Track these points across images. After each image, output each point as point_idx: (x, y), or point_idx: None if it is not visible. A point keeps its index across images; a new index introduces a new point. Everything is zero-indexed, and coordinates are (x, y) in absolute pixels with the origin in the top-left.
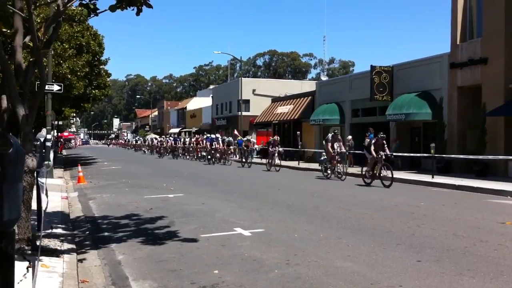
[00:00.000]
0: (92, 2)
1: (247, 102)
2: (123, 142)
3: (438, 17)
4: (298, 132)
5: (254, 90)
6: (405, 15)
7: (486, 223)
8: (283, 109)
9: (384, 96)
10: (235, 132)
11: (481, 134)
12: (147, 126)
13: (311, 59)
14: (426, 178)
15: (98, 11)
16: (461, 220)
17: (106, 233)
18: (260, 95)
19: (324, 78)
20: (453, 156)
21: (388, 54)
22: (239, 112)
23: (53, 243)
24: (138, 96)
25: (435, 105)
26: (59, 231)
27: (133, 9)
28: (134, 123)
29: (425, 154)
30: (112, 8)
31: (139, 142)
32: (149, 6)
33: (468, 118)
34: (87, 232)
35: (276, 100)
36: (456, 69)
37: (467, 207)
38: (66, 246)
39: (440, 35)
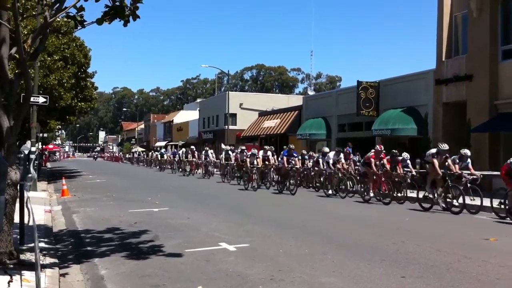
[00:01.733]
0: (79, 14)
1: (234, 116)
2: (116, 155)
3: (424, 34)
4: (285, 147)
5: (241, 104)
6: (391, 31)
7: (470, 239)
8: (270, 123)
9: (370, 111)
10: (223, 146)
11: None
12: (133, 139)
13: (299, 74)
14: (411, 193)
15: (85, 23)
16: (445, 236)
17: (89, 248)
18: (247, 109)
19: (311, 92)
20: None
21: (375, 69)
22: (226, 126)
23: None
24: (124, 109)
25: (421, 120)
26: (41, 244)
27: (120, 21)
28: (120, 136)
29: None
30: (99, 21)
31: (166, 157)
32: (136, 17)
33: (453, 134)
34: (70, 246)
35: (263, 114)
36: (441, 85)
37: (451, 223)
38: (48, 260)
39: (426, 52)
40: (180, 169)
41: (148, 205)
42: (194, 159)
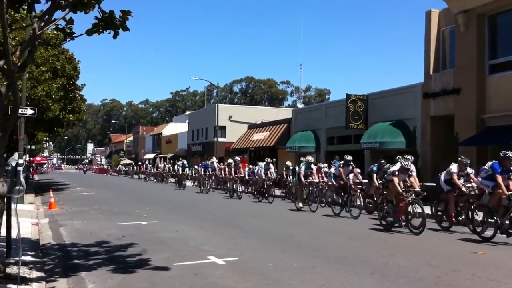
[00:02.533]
0: (68, 26)
1: (223, 128)
2: (110, 167)
3: (412, 48)
4: (274, 159)
5: (230, 117)
6: (379, 45)
7: (459, 253)
8: (259, 136)
9: (359, 124)
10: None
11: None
12: (121, 152)
13: (288, 87)
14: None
15: (74, 35)
16: (434, 249)
17: (76, 261)
18: (237, 122)
19: (300, 105)
20: (426, 184)
21: (363, 83)
22: (215, 139)
23: (22, 271)
24: (113, 121)
25: (409, 134)
26: (28, 258)
27: (109, 33)
28: (108, 148)
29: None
30: (89, 32)
31: (188, 171)
32: (126, 29)
33: (441, 148)
34: (57, 260)
35: (252, 126)
36: (429, 99)
37: (439, 237)
38: (35, 274)
39: (414, 65)
40: (209, 187)
41: (136, 218)
42: (242, 176)
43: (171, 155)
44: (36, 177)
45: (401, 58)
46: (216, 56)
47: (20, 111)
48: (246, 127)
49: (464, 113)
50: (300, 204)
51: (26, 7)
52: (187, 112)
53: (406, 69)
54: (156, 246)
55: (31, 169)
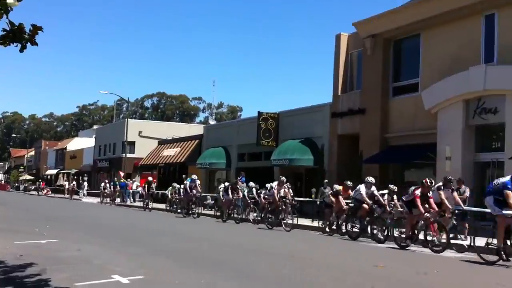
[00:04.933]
0: None
1: (132, 144)
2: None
3: (322, 69)
4: (184, 176)
5: (140, 132)
6: (290, 65)
7: (360, 266)
8: (170, 151)
9: (270, 142)
10: (120, 173)
11: (358, 180)
12: (21, 167)
13: (200, 103)
14: (306, 222)
15: None
16: (340, 263)
17: None
18: (147, 137)
19: (212, 122)
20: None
21: (275, 101)
22: (124, 154)
23: None
24: (14, 135)
25: (317, 151)
26: None
27: (16, 46)
28: (7, 163)
29: (306, 199)
30: None
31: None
32: (35, 43)
33: (347, 165)
34: None
35: (163, 142)
36: (337, 118)
37: (343, 250)
38: None
39: (323, 86)
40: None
41: (36, 236)
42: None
43: (75, 171)
44: None
45: (312, 79)
46: (127, 70)
47: None
48: (157, 143)
49: (368, 132)
50: None
51: None
52: (95, 127)
53: (317, 89)
54: (57, 266)
55: None
